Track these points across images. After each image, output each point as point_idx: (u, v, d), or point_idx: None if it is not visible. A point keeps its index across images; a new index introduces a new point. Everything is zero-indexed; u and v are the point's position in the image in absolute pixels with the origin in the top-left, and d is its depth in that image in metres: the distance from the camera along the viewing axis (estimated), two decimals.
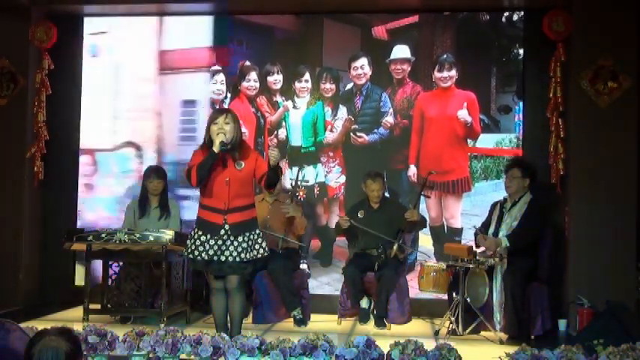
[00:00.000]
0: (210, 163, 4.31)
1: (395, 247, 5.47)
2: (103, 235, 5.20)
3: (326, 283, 6.25)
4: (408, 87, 6.31)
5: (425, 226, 5.85)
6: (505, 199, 5.35)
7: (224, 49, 6.54)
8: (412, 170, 6.23)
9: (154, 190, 5.65)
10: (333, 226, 6.03)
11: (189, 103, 6.62)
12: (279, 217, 5.59)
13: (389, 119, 6.30)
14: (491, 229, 5.30)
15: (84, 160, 6.68)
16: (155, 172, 5.72)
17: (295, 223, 5.61)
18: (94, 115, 6.66)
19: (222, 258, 4.33)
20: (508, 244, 5.05)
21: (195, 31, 6.59)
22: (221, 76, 6.52)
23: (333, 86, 6.41)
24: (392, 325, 5.39)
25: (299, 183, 5.78)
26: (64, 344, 2.25)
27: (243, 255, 4.34)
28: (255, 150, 4.56)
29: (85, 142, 6.58)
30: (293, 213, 5.55)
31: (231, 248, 4.33)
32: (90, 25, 6.67)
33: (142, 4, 6.37)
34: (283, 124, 6.45)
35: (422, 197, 5.77)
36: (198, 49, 6.59)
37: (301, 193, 6.22)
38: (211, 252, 4.33)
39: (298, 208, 5.69)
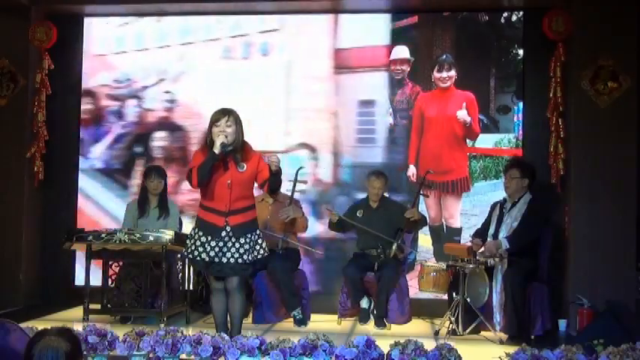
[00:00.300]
0: (210, 165, 4.29)
1: (394, 246, 5.47)
2: (103, 235, 5.20)
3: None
4: (408, 87, 6.31)
5: (426, 225, 5.85)
6: (505, 200, 5.34)
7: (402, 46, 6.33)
8: (412, 170, 6.23)
9: (154, 190, 5.64)
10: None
11: (367, 104, 6.36)
12: (279, 218, 5.59)
13: (389, 119, 6.30)
14: (491, 230, 5.29)
15: None
16: (155, 171, 5.71)
17: (296, 223, 5.61)
18: (265, 115, 6.38)
19: (224, 260, 4.32)
20: (508, 246, 5.05)
21: (374, 29, 6.34)
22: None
23: None
24: (392, 325, 5.39)
25: (297, 184, 5.77)
26: (64, 344, 2.25)
27: (245, 257, 4.33)
28: (257, 152, 4.54)
29: (255, 142, 6.34)
30: (293, 215, 5.56)
31: (233, 250, 4.32)
32: (260, 22, 6.50)
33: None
34: None
35: (421, 196, 5.77)
36: (376, 47, 6.35)
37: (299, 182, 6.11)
38: (212, 253, 4.32)
39: (298, 209, 5.69)
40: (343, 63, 6.41)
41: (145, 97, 6.66)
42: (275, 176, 4.32)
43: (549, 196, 5.62)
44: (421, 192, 5.70)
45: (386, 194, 5.82)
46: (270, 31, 6.53)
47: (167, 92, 6.65)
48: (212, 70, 6.57)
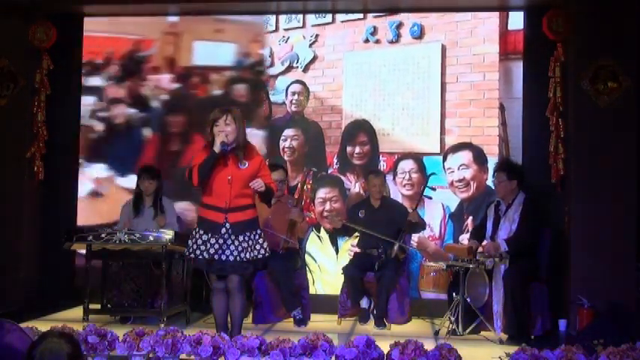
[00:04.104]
0: (210, 164, 4.31)
1: (396, 247, 5.47)
2: (103, 235, 5.20)
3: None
4: None
5: (424, 229, 5.81)
6: (499, 202, 5.32)
7: None
8: None
9: (146, 190, 5.64)
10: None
11: None
12: (281, 218, 5.60)
13: None
14: (488, 233, 5.26)
15: (407, 165, 5.81)
16: (146, 172, 5.70)
17: (297, 226, 5.63)
18: (416, 110, 5.80)
19: (223, 257, 4.34)
20: (507, 249, 5.04)
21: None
22: None
23: None
24: (392, 325, 5.39)
25: (305, 187, 5.79)
26: (65, 346, 2.25)
27: (243, 254, 4.34)
28: (260, 155, 4.55)
29: (405, 144, 5.57)
30: (297, 218, 5.58)
31: (232, 247, 4.34)
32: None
33: None
34: None
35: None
36: None
37: (306, 197, 6.13)
38: (212, 251, 4.34)
39: (301, 214, 5.71)
40: (514, 47, 5.73)
41: (270, 88, 6.05)
42: (263, 194, 4.39)
43: (549, 196, 5.63)
44: (424, 194, 5.69)
45: (384, 193, 5.83)
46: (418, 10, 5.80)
47: (298, 82, 6.05)
48: (352, 56, 5.83)
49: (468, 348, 4.30)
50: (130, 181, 6.20)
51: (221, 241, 4.34)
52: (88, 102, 6.38)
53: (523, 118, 6.05)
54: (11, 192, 6.16)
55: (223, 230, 4.34)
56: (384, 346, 3.89)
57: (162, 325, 4.77)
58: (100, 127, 6.35)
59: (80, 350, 2.33)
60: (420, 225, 5.67)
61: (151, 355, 3.98)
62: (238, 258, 4.34)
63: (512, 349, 4.02)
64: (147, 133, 6.27)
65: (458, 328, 4.99)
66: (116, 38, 6.41)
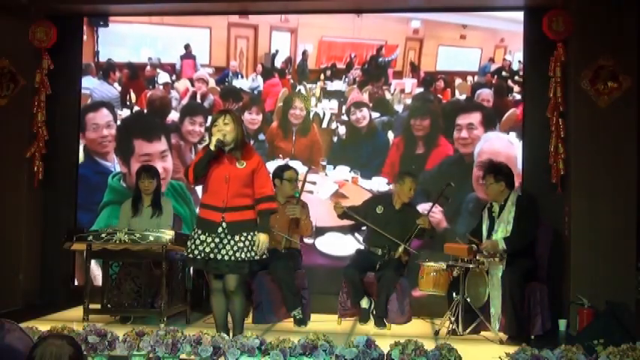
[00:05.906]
0: (206, 161, 4.33)
1: (401, 248, 5.46)
2: (103, 235, 5.20)
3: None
4: None
5: (433, 236, 5.77)
6: (491, 204, 5.32)
7: None
8: None
9: (146, 190, 5.65)
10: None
11: None
12: (286, 218, 5.60)
13: None
14: (484, 235, 5.24)
15: None
16: (146, 171, 5.70)
17: (301, 224, 5.62)
18: None
19: (219, 256, 4.34)
20: (505, 247, 5.03)
21: None
22: None
23: None
24: (392, 325, 5.39)
25: (306, 184, 5.77)
26: (66, 348, 2.25)
27: (238, 254, 4.34)
28: (258, 155, 4.56)
29: None
30: (299, 215, 5.57)
31: (228, 247, 4.34)
32: None
33: None
34: None
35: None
36: None
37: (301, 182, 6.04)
38: (208, 249, 4.35)
39: (304, 211, 5.70)
40: None
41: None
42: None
43: (549, 196, 5.63)
44: (438, 202, 5.66)
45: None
46: None
47: None
48: None
49: (468, 348, 4.30)
50: (373, 184, 6.23)
51: (217, 240, 4.35)
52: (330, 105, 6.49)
53: (523, 117, 6.06)
54: (11, 192, 6.17)
55: (220, 229, 4.35)
56: (384, 346, 3.89)
57: (163, 325, 4.76)
58: (341, 130, 6.40)
59: (81, 352, 2.33)
60: (429, 232, 5.64)
61: (150, 355, 3.98)
62: (233, 257, 4.34)
63: (512, 349, 4.01)
64: (390, 136, 6.35)
65: (458, 328, 4.99)
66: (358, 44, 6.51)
